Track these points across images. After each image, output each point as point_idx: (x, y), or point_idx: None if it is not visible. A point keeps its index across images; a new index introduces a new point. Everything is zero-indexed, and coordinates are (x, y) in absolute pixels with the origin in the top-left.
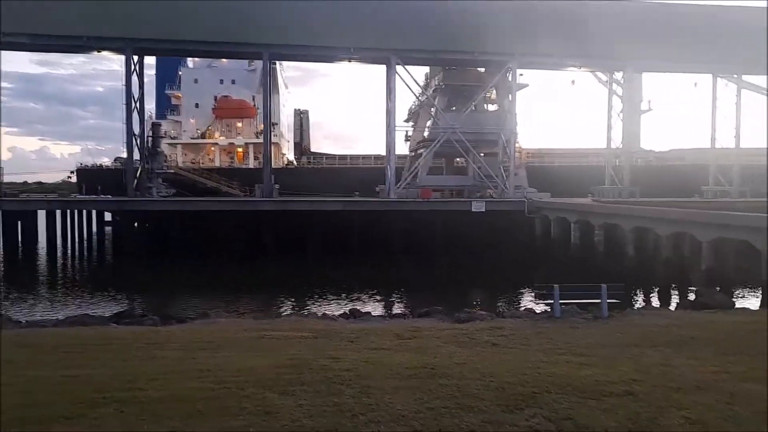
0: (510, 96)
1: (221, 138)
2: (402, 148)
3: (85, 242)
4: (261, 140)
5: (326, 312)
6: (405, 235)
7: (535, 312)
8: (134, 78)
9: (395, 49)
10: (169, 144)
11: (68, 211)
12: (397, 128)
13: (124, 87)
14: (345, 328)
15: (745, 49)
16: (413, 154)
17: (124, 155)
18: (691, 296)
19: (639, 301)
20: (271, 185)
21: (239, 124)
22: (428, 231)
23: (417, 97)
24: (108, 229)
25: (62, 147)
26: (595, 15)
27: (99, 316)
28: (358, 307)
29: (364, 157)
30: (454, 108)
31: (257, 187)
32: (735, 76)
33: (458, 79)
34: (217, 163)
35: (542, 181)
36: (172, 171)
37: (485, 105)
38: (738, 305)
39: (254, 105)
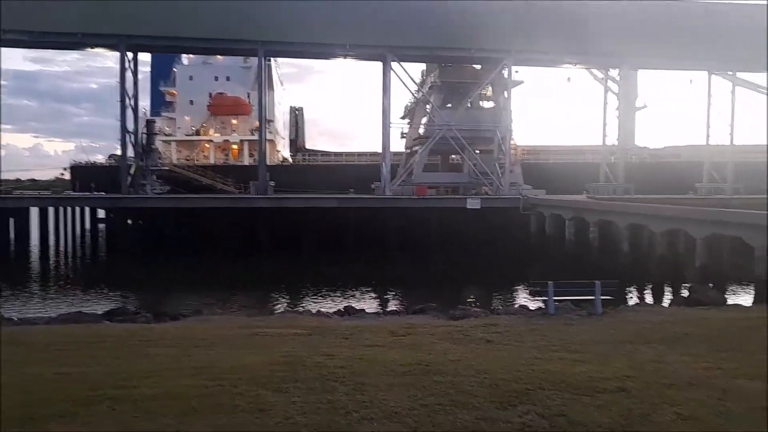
0: (505, 93)
1: (216, 135)
2: (397, 145)
3: (78, 239)
4: (256, 137)
5: (320, 309)
6: (400, 232)
7: (529, 309)
8: (128, 75)
9: (391, 45)
10: (163, 141)
11: (61, 208)
12: (392, 125)
13: (118, 84)
14: (339, 325)
15: (740, 47)
16: (409, 151)
17: (118, 152)
18: (685, 293)
19: (633, 298)
20: (266, 182)
21: (234, 121)
22: (423, 228)
23: (413, 94)
24: (101, 226)
25: (56, 144)
26: (591, 12)
27: (92, 314)
28: (353, 304)
29: (360, 154)
30: (449, 105)
31: (252, 184)
32: (730, 73)
33: (454, 76)
34: (211, 161)
35: (537, 178)
36: (167, 168)
37: (481, 102)
38: (731, 302)
39: (249, 102)
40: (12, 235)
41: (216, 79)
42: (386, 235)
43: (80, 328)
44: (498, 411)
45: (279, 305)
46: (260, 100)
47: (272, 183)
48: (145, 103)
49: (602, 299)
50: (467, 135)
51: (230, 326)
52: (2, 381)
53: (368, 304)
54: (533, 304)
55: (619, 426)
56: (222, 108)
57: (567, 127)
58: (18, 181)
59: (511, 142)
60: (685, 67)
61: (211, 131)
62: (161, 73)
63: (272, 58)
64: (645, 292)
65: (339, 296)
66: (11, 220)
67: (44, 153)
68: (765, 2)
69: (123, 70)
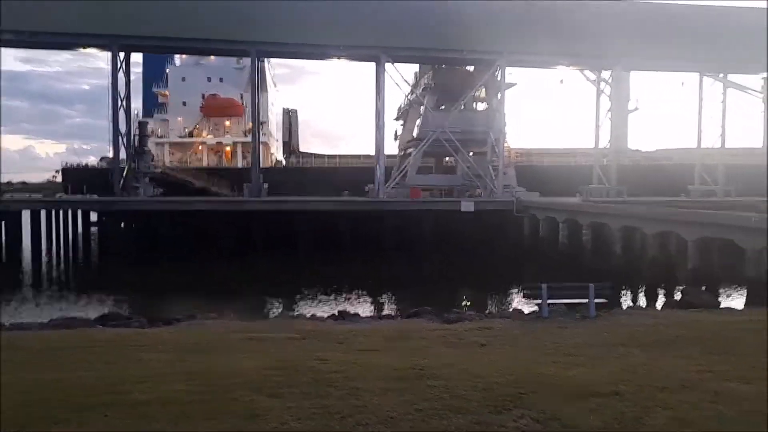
0: (499, 95)
1: (209, 137)
2: (391, 147)
3: (70, 243)
4: (249, 139)
5: (315, 313)
6: (394, 234)
7: (523, 312)
8: (121, 76)
9: (385, 46)
10: (156, 143)
11: (53, 211)
12: (386, 126)
13: (110, 85)
14: (333, 329)
15: (731, 49)
16: (402, 153)
17: (111, 154)
18: (678, 295)
19: (626, 300)
20: (259, 185)
21: (227, 123)
22: (417, 230)
23: (406, 96)
24: (94, 229)
25: (47, 146)
26: (584, 14)
27: (84, 319)
28: (347, 308)
29: (353, 156)
30: (443, 107)
31: (245, 186)
32: (721, 75)
33: (447, 77)
34: (204, 163)
35: (531, 180)
36: (159, 170)
37: (474, 104)
38: (723, 304)
39: (242, 103)
40: (3, 238)
41: (209, 80)
42: (380, 238)
43: (72, 333)
44: (492, 415)
45: (273, 309)
46: (253, 101)
47: (266, 185)
48: (137, 104)
49: (596, 302)
50: (461, 137)
51: (224, 331)
52: None
53: (363, 307)
54: (527, 307)
55: (613, 429)
56: (215, 109)
57: (560, 130)
58: (9, 183)
59: (505, 144)
60: (677, 69)
61: (204, 133)
62: (154, 74)
63: (265, 59)
64: (638, 294)
65: (333, 299)
66: (2, 224)
67: (35, 155)
68: (756, 5)
69: (115, 70)
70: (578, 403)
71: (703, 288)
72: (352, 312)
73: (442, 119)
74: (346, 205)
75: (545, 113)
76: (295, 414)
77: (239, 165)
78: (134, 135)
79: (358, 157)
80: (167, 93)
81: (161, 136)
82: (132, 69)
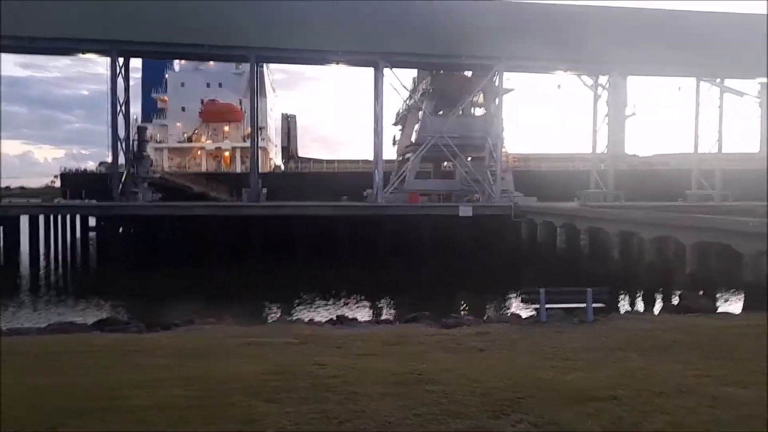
0: (497, 100)
1: (208, 142)
2: (390, 152)
3: (68, 248)
4: (248, 144)
5: (313, 317)
6: (392, 239)
7: (521, 316)
8: (120, 81)
9: (383, 52)
10: (155, 148)
11: (51, 216)
12: (384, 132)
13: (109, 90)
14: (332, 334)
15: (728, 54)
16: (401, 158)
17: (110, 159)
18: (675, 300)
19: (624, 305)
20: (258, 190)
21: (226, 128)
22: (416, 235)
23: (405, 101)
24: (92, 234)
25: (46, 151)
26: (581, 20)
27: (82, 324)
28: (346, 312)
29: (352, 161)
30: (441, 112)
31: (244, 191)
32: (718, 80)
33: (446, 83)
34: (203, 168)
35: (528, 185)
36: (158, 175)
37: (472, 109)
38: (721, 309)
39: (241, 109)
40: (1, 243)
41: (208, 85)
42: (379, 242)
43: (70, 338)
44: (490, 420)
45: (271, 314)
46: (252, 106)
47: (264, 191)
48: (136, 109)
49: (594, 306)
50: (459, 142)
51: (222, 335)
52: None
53: (361, 312)
54: (525, 312)
55: None
56: (214, 115)
57: (558, 135)
58: (7, 189)
59: (503, 149)
60: (674, 74)
61: (203, 138)
62: (153, 80)
63: (264, 65)
64: (635, 299)
65: (332, 304)
66: (0, 229)
67: (34, 160)
68: (752, 11)
69: (114, 76)
70: (576, 407)
71: (701, 293)
72: (350, 317)
73: (440, 124)
74: (345, 210)
75: (543, 118)
76: (293, 419)
77: (238, 170)
78: (133, 140)
79: (357, 162)
80: (166, 98)
81: (160, 142)
82: (131, 74)
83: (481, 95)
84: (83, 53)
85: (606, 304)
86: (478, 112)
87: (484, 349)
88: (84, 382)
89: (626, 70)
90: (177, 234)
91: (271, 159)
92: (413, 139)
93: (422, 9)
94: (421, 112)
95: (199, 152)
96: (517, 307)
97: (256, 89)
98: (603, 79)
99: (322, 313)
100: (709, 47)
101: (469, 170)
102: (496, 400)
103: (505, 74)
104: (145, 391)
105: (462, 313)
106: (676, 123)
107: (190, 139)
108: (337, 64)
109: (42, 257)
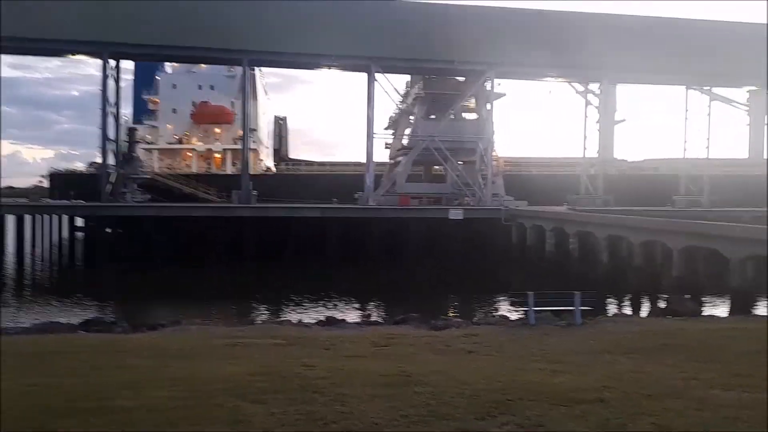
0: (488, 105)
1: (199, 144)
2: (381, 155)
3: (56, 248)
4: (239, 146)
5: (302, 319)
6: (383, 242)
7: (509, 319)
8: (111, 82)
9: (375, 57)
10: (145, 149)
11: (39, 216)
12: (376, 136)
13: (100, 91)
14: (320, 335)
15: (717, 62)
16: (392, 161)
17: (99, 160)
18: (663, 303)
19: (612, 308)
20: (248, 191)
21: (217, 130)
22: (406, 238)
23: (397, 105)
24: (80, 234)
25: (35, 151)
26: (573, 27)
27: (67, 324)
28: (335, 314)
29: (343, 164)
30: (433, 116)
31: (235, 193)
32: (706, 88)
33: (438, 87)
34: (194, 169)
35: (519, 189)
36: (148, 176)
37: (464, 114)
38: (707, 312)
39: (233, 111)
40: None
41: (199, 87)
42: (369, 245)
43: (55, 338)
44: (478, 422)
45: (259, 315)
46: (244, 109)
47: (255, 192)
48: (127, 111)
49: (581, 309)
50: (450, 146)
51: (209, 336)
52: None
53: (350, 313)
54: (514, 315)
55: None
56: (205, 117)
57: (548, 140)
58: None
59: (494, 153)
60: (664, 82)
61: (194, 140)
62: (144, 81)
63: (257, 68)
64: (623, 302)
65: (321, 306)
66: None
67: (22, 160)
68: (742, 20)
69: (105, 77)
70: (563, 409)
71: (688, 296)
72: (339, 318)
73: (432, 128)
74: (335, 212)
75: (534, 123)
76: (279, 420)
77: (229, 172)
78: (123, 141)
79: (349, 164)
80: (157, 100)
81: (150, 143)
82: (122, 75)
83: (473, 100)
84: (74, 55)
85: (594, 307)
86: (470, 116)
87: (472, 351)
88: (69, 382)
89: (616, 78)
90: (165, 235)
91: (262, 161)
92: (405, 142)
93: (414, 14)
94: (413, 116)
95: (189, 154)
96: (506, 309)
97: (248, 92)
98: (593, 86)
99: (311, 315)
100: (698, 56)
101: (460, 174)
102: (484, 402)
103: (497, 80)
104: (131, 392)
105: (451, 315)
106: (665, 129)
107: (180, 141)
108: (330, 68)
109: (28, 257)
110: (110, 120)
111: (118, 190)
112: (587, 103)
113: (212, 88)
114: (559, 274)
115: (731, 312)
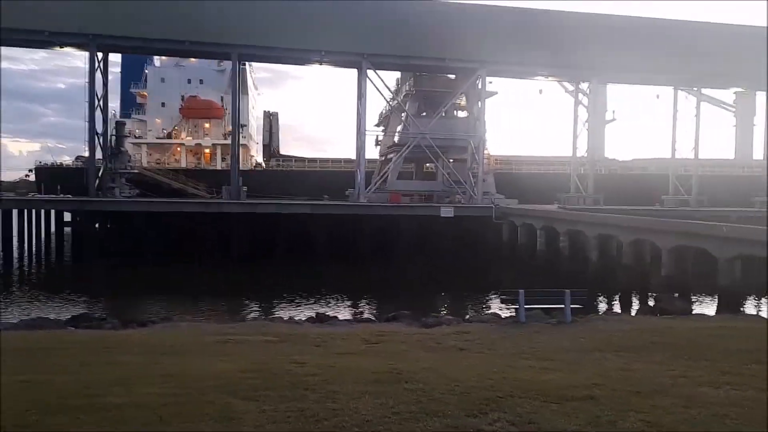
0: (479, 103)
1: (188, 138)
2: (372, 152)
3: (43, 243)
4: (229, 141)
5: (292, 316)
6: (374, 239)
7: (500, 317)
8: (98, 75)
9: (367, 53)
10: (133, 143)
11: (26, 210)
12: (367, 132)
13: (87, 84)
14: (311, 332)
15: (705, 64)
16: (383, 158)
17: (86, 154)
18: (652, 302)
19: (602, 306)
20: (238, 187)
21: (207, 125)
22: (397, 235)
23: (388, 102)
24: (67, 229)
25: (21, 144)
26: (564, 26)
27: (56, 320)
28: (326, 311)
29: (334, 160)
30: (424, 114)
31: (224, 188)
32: (695, 89)
33: (429, 85)
34: (183, 164)
35: (510, 187)
36: (136, 171)
37: (455, 111)
38: (696, 311)
39: (222, 106)
40: None
41: (189, 81)
42: (360, 242)
43: (44, 334)
44: (468, 419)
45: (250, 312)
46: (234, 103)
47: (245, 188)
48: (114, 104)
49: (572, 307)
50: (441, 144)
51: (199, 333)
52: None
53: (341, 310)
54: (505, 312)
55: None
56: (194, 111)
57: (539, 138)
58: None
59: (485, 151)
60: (653, 82)
61: (183, 134)
62: (132, 75)
63: (247, 63)
64: (613, 300)
65: (312, 302)
66: None
67: (8, 153)
68: (730, 22)
69: (92, 70)
70: (554, 406)
71: (677, 295)
72: (330, 315)
73: (423, 126)
74: (325, 208)
75: (525, 122)
76: (270, 417)
77: (218, 167)
78: (111, 135)
79: (339, 161)
80: (146, 93)
81: (139, 137)
82: (110, 68)
83: (464, 98)
84: (61, 47)
85: (584, 305)
86: (461, 114)
87: (464, 348)
88: (58, 379)
89: (606, 78)
90: (154, 230)
91: (252, 157)
92: (396, 139)
93: (406, 11)
94: (404, 114)
95: (178, 148)
96: (497, 307)
97: (238, 87)
98: (584, 86)
99: (302, 312)
100: (687, 57)
101: (451, 172)
102: (474, 399)
103: (488, 78)
104: (120, 389)
105: (442, 312)
106: (654, 129)
107: (169, 135)
108: (321, 64)
109: (15, 252)
110: (98, 113)
111: (105, 184)
112: (577, 102)
113: (201, 82)
114: (550, 273)
115: (719, 311)
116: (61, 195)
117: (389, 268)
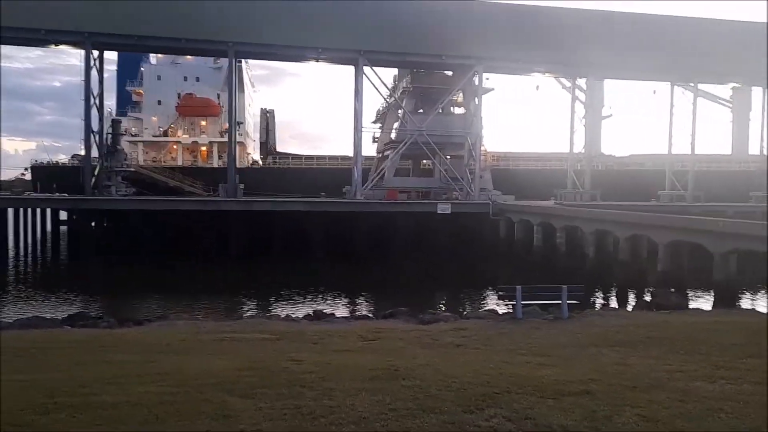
0: (476, 99)
1: (184, 136)
2: (369, 149)
3: (39, 242)
4: (225, 139)
5: (290, 313)
6: (371, 236)
7: (497, 313)
8: (94, 73)
9: (363, 50)
10: (129, 141)
11: (21, 209)
12: (364, 129)
13: (83, 82)
14: (308, 329)
15: (701, 60)
16: (380, 155)
17: (82, 152)
18: (648, 297)
19: (598, 302)
20: (235, 185)
21: (203, 123)
22: (394, 232)
23: (385, 99)
24: (63, 228)
25: (16, 143)
26: (560, 22)
27: (52, 319)
28: (323, 308)
29: (331, 157)
30: (421, 110)
31: (221, 186)
32: (691, 84)
33: (426, 81)
34: (179, 162)
35: (507, 183)
36: (133, 169)
37: (452, 108)
38: (692, 306)
39: (219, 103)
40: None
41: (185, 79)
42: (357, 239)
43: (39, 333)
44: (465, 415)
45: (247, 309)
46: (230, 101)
47: (242, 186)
48: (110, 102)
49: (568, 303)
50: (438, 140)
51: (196, 331)
52: None
53: (338, 308)
54: (502, 308)
55: (584, 427)
56: (191, 109)
57: (536, 135)
58: None
59: (482, 148)
60: (649, 78)
61: (180, 132)
62: (128, 72)
63: (243, 60)
64: (610, 295)
65: (309, 300)
66: None
67: (4, 152)
68: (726, 18)
69: (88, 68)
70: (550, 402)
71: (673, 290)
72: (327, 312)
73: (420, 122)
74: (322, 206)
75: (522, 118)
76: (267, 415)
77: (215, 165)
78: (107, 133)
79: (336, 158)
80: (142, 91)
81: (135, 135)
82: (106, 66)
83: (461, 94)
84: (56, 45)
85: (580, 301)
86: (458, 111)
87: (461, 344)
88: (53, 378)
89: (603, 74)
90: (151, 228)
91: (249, 154)
92: (393, 136)
93: (403, 8)
94: (401, 110)
95: (174, 146)
96: (494, 303)
97: (234, 84)
98: (580, 82)
99: (299, 309)
100: (683, 53)
101: (448, 168)
102: (471, 395)
103: (485, 74)
104: (116, 387)
105: (439, 309)
106: (651, 124)
107: (166, 133)
108: (317, 61)
109: (11, 251)
110: (93, 112)
111: (102, 183)
112: (574, 98)
113: (198, 79)
114: (547, 268)
115: (715, 305)
116: (57, 193)
117: (386, 265)
